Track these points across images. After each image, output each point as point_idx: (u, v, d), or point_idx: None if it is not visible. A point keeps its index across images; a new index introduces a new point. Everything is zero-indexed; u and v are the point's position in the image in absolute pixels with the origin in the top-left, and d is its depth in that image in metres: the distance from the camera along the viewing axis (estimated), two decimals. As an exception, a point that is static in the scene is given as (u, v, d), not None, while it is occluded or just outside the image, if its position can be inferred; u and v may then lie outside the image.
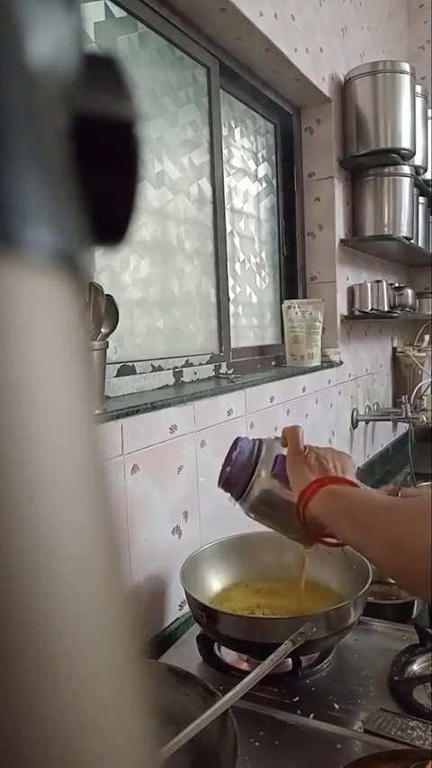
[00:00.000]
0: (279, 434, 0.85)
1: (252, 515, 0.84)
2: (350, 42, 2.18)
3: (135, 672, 0.13)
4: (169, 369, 1.34)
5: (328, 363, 1.93)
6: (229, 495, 0.84)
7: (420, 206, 2.43)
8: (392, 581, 1.26)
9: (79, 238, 0.14)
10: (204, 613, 0.92)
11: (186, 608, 1.07)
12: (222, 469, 0.85)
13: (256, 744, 0.77)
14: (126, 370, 1.20)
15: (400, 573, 0.61)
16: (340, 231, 2.08)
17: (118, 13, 1.22)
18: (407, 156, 2.09)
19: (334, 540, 0.76)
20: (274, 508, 0.81)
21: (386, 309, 2.23)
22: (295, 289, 2.05)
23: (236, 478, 0.82)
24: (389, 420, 2.43)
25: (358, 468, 2.25)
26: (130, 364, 1.22)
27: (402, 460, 2.51)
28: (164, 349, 1.36)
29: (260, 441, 0.84)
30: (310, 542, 0.80)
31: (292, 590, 1.06)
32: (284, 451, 0.80)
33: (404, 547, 0.57)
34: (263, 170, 1.93)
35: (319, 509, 0.71)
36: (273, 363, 1.89)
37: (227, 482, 0.83)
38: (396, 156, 2.04)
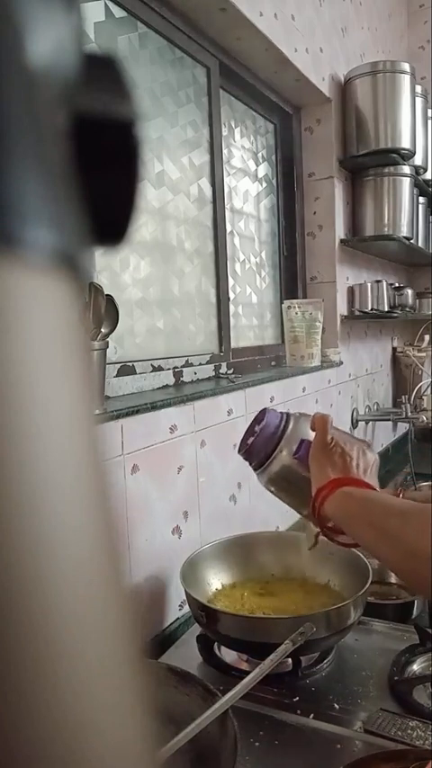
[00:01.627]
0: (307, 412, 0.85)
1: (270, 488, 0.84)
2: (350, 42, 2.18)
3: (135, 672, 0.13)
4: (169, 369, 1.34)
5: (328, 363, 1.93)
6: (247, 463, 0.85)
7: (420, 206, 2.43)
8: (393, 581, 1.26)
9: (79, 238, 0.14)
10: (204, 613, 0.92)
11: (186, 608, 1.07)
12: (245, 437, 0.84)
13: (256, 744, 0.77)
14: (126, 370, 1.20)
15: (410, 575, 0.62)
16: (340, 231, 2.08)
17: (118, 13, 1.22)
18: (407, 156, 2.09)
19: (345, 540, 0.76)
20: (292, 484, 0.81)
21: (386, 309, 2.23)
22: (295, 289, 2.05)
23: (257, 451, 0.82)
24: (389, 420, 2.43)
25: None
26: (130, 364, 1.22)
27: (402, 460, 2.51)
28: (164, 349, 1.36)
29: (288, 416, 0.83)
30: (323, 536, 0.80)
31: (292, 590, 1.06)
32: (311, 435, 0.80)
33: (418, 552, 0.57)
34: (263, 170, 1.93)
35: (333, 509, 0.71)
36: (273, 363, 1.89)
37: (248, 451, 0.83)
38: (396, 156, 2.04)
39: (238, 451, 0.85)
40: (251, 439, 0.82)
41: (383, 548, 0.63)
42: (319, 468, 0.75)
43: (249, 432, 0.84)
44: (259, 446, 0.81)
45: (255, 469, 0.84)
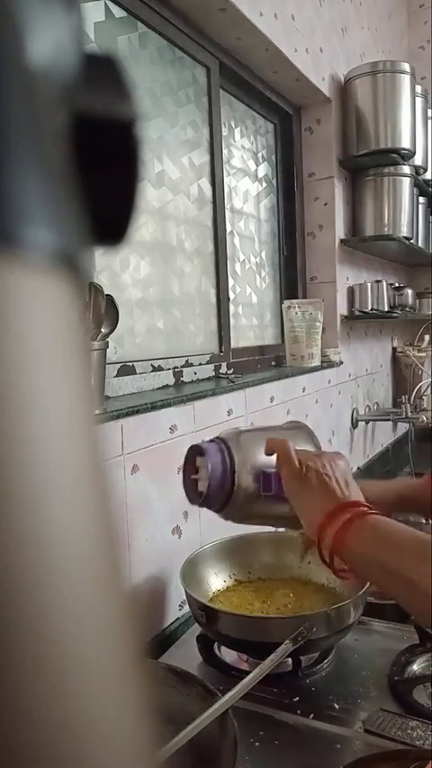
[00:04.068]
0: (240, 425, 0.77)
1: (238, 522, 0.78)
2: (350, 42, 2.18)
3: (135, 672, 0.13)
4: (169, 369, 1.33)
5: (328, 363, 1.93)
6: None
7: (420, 206, 2.43)
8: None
9: (79, 238, 0.14)
10: (204, 613, 0.92)
11: (186, 608, 1.07)
12: (189, 485, 0.75)
13: (256, 744, 0.77)
14: (126, 370, 1.20)
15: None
16: (340, 231, 2.08)
17: (118, 13, 1.22)
18: (407, 156, 2.09)
19: (351, 578, 0.68)
20: (261, 509, 0.74)
21: (386, 309, 2.23)
22: (295, 289, 2.05)
23: (216, 498, 0.73)
24: (389, 420, 2.43)
25: (358, 468, 2.25)
26: (130, 364, 1.22)
27: (402, 460, 2.51)
28: (164, 349, 1.36)
29: (227, 447, 0.73)
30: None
31: (292, 590, 1.06)
32: (265, 459, 0.72)
33: None
34: (263, 170, 1.93)
35: (360, 546, 0.61)
36: (273, 363, 1.89)
37: (205, 501, 0.74)
38: (396, 156, 2.04)
39: (192, 503, 0.75)
40: (203, 485, 0.72)
41: (412, 598, 0.57)
42: (308, 501, 0.67)
43: (189, 480, 0.74)
44: (215, 494, 0.72)
45: (217, 512, 0.75)
